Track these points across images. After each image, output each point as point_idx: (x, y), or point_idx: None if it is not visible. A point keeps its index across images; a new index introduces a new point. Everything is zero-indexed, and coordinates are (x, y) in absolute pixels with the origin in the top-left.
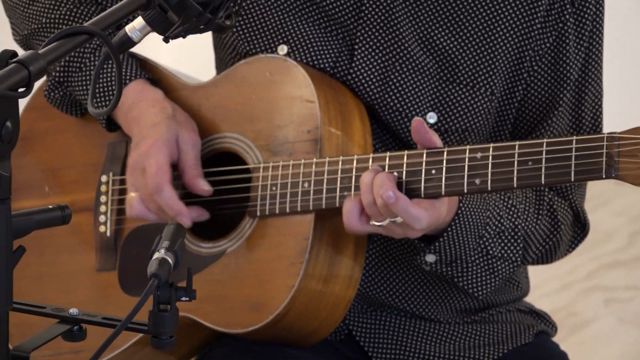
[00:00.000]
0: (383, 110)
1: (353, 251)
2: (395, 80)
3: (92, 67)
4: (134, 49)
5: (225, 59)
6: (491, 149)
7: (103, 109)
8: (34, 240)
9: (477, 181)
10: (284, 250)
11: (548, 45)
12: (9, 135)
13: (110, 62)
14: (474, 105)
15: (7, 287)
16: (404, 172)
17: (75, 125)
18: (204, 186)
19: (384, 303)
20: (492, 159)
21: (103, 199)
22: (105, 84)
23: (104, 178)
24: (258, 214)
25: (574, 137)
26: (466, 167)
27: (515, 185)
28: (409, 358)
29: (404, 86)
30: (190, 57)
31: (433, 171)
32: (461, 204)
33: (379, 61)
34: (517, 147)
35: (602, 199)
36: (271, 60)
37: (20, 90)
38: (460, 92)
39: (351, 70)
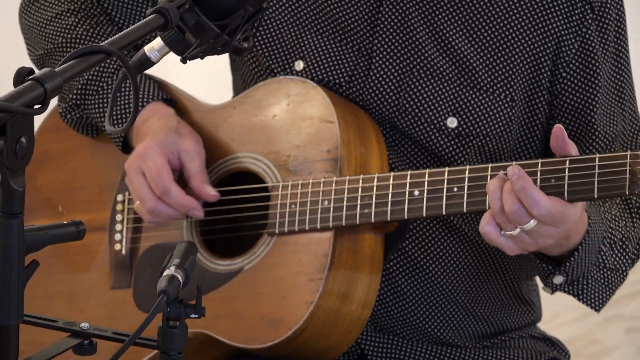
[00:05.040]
0: (402, 118)
1: (368, 270)
2: (413, 87)
3: (109, 91)
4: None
5: (248, 74)
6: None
7: (120, 127)
8: (42, 260)
9: None
10: (302, 267)
11: (574, 51)
12: (24, 151)
13: (128, 82)
14: (494, 111)
15: (18, 301)
16: (425, 190)
17: (89, 146)
18: (210, 191)
19: (398, 327)
20: None
21: (119, 217)
22: (123, 105)
23: (120, 197)
24: (277, 231)
25: (597, 155)
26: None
27: None
28: None
29: (423, 92)
30: (206, 82)
31: (455, 189)
32: (590, 221)
33: (397, 69)
34: (539, 164)
35: None
36: (290, 81)
37: (36, 107)
38: (479, 97)
39: (369, 80)
